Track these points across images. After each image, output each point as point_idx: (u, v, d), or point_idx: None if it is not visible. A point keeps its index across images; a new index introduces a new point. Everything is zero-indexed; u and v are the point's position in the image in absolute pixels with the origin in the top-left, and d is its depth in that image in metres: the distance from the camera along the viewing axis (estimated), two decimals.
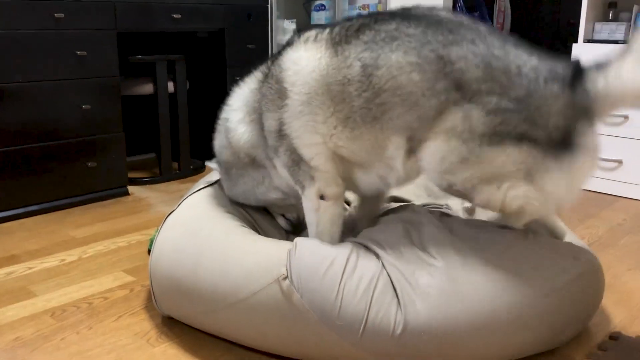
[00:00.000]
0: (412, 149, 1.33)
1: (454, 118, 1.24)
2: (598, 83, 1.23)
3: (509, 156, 1.23)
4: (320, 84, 1.35)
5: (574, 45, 2.87)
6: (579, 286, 1.40)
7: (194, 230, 1.53)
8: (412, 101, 1.27)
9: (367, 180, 1.45)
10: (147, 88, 2.95)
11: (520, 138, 1.22)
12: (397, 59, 1.27)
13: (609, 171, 2.86)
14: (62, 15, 2.45)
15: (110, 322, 1.61)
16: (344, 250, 1.38)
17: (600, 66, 1.25)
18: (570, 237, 1.64)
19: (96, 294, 1.78)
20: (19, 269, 1.96)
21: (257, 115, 1.52)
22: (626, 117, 2.77)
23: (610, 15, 2.94)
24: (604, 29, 2.87)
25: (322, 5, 3.87)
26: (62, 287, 1.82)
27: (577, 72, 1.25)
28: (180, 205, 1.68)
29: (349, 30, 1.35)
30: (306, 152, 1.41)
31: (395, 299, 1.28)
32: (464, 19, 1.33)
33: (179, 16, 2.89)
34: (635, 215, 2.56)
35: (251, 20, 3.21)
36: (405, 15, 1.33)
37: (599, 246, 2.19)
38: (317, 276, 1.32)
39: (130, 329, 1.57)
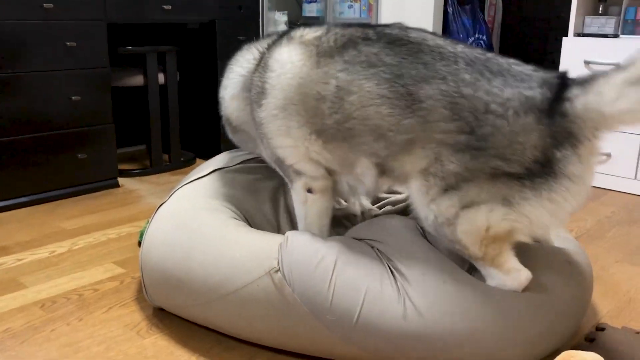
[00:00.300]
0: (383, 171, 1.34)
1: (425, 157, 1.24)
2: (577, 104, 1.17)
3: (482, 189, 1.21)
4: (297, 92, 1.35)
5: (564, 39, 2.89)
6: (571, 296, 1.41)
7: (185, 222, 1.53)
8: (379, 133, 1.27)
9: (340, 184, 1.47)
10: (138, 79, 2.94)
11: (494, 174, 1.19)
12: (369, 89, 1.26)
13: (598, 164, 2.88)
14: (51, 5, 2.43)
15: (100, 313, 1.61)
16: (337, 244, 1.38)
17: (583, 84, 1.19)
18: (558, 231, 1.65)
19: (86, 285, 1.78)
20: (8, 260, 1.95)
21: (250, 95, 1.51)
22: None
23: (600, 9, 2.95)
24: (594, 23, 2.89)
25: None
26: (52, 278, 1.82)
27: (556, 96, 1.19)
28: (172, 197, 1.68)
29: (336, 42, 1.34)
30: (281, 153, 1.42)
31: (389, 295, 1.28)
32: (447, 45, 1.29)
33: (170, 7, 2.88)
34: (623, 208, 2.58)
35: (242, 12, 3.20)
36: (391, 38, 1.31)
37: (587, 238, 2.21)
38: (309, 270, 1.32)
39: (120, 320, 1.57)
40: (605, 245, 2.16)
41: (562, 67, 2.90)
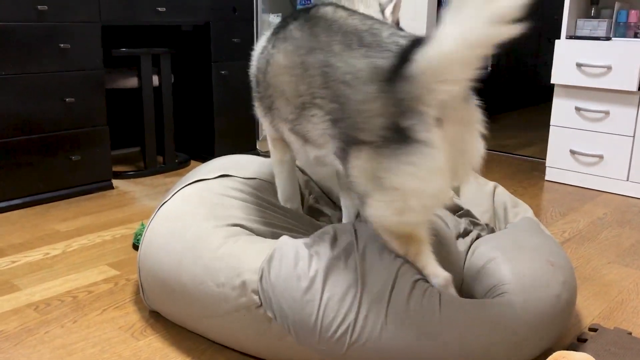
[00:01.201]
0: (304, 139, 1.41)
1: (319, 124, 1.32)
2: (419, 60, 1.12)
3: (355, 165, 1.23)
4: (255, 68, 1.57)
5: (556, 41, 2.91)
6: (554, 296, 1.41)
7: (180, 229, 1.51)
8: (285, 98, 1.40)
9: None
10: (132, 81, 2.94)
11: (357, 143, 1.21)
12: (277, 60, 1.42)
13: (590, 166, 2.90)
14: (45, 7, 2.43)
15: (94, 315, 1.61)
16: (321, 265, 1.34)
17: (426, 41, 1.14)
18: (546, 234, 1.66)
19: (80, 287, 1.78)
20: (2, 262, 1.95)
21: None
22: (607, 112, 2.80)
23: (593, 12, 2.97)
24: (587, 25, 2.91)
25: None
26: (46, 280, 1.82)
27: (401, 61, 1.16)
28: (175, 196, 1.66)
29: (289, 24, 1.46)
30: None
31: (373, 322, 1.27)
32: (345, 17, 1.34)
33: (164, 9, 2.88)
34: (615, 210, 2.60)
35: (236, 14, 3.20)
36: (311, 16, 1.40)
37: (580, 239, 2.23)
38: (294, 302, 1.29)
39: (114, 322, 1.57)
40: (597, 246, 2.17)
41: (555, 69, 2.91)
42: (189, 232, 1.50)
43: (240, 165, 1.82)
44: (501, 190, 1.96)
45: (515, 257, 1.46)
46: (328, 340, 1.26)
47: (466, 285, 1.48)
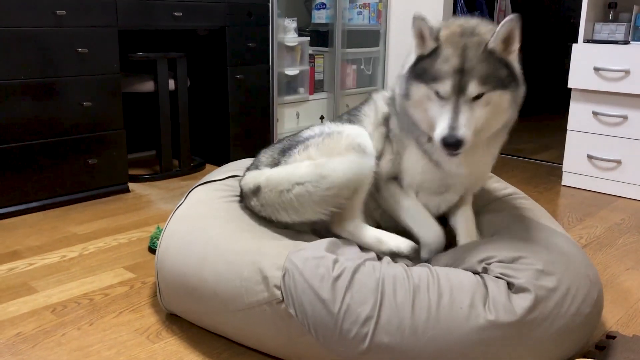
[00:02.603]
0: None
1: None
2: None
3: None
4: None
5: (573, 45, 2.88)
6: (594, 309, 1.41)
7: (200, 229, 1.53)
8: None
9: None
10: (148, 85, 2.96)
11: None
12: None
13: (608, 171, 2.87)
14: (63, 12, 2.46)
15: (110, 318, 1.62)
16: (345, 267, 1.34)
17: None
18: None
19: (97, 290, 1.79)
20: (20, 265, 1.97)
21: None
22: (625, 117, 2.77)
23: (611, 15, 2.95)
24: (604, 29, 2.88)
25: (323, 3, 3.88)
26: (63, 283, 1.83)
27: None
28: (187, 199, 1.68)
29: None
30: None
31: (400, 324, 1.27)
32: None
33: (180, 14, 2.90)
34: (633, 215, 2.57)
35: (252, 19, 3.21)
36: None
37: (597, 246, 2.20)
38: (316, 302, 1.29)
39: (130, 325, 1.58)
40: (615, 252, 2.14)
41: (572, 73, 2.89)
42: (208, 232, 1.51)
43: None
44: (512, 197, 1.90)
45: (559, 264, 1.43)
46: (348, 341, 1.26)
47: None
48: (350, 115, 1.72)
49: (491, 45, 1.36)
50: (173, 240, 1.55)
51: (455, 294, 1.29)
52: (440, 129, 1.35)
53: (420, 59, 1.42)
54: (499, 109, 1.40)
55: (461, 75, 1.34)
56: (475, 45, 1.37)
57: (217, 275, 1.42)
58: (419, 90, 1.41)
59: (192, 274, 1.46)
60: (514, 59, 1.41)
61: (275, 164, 1.65)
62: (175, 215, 1.62)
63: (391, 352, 1.25)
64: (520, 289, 1.31)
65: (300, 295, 1.31)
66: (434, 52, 1.39)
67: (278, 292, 1.33)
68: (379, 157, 1.59)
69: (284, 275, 1.34)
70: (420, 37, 1.41)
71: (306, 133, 1.68)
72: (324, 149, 1.55)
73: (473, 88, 1.34)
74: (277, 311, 1.33)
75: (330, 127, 1.63)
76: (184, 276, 1.48)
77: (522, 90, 1.44)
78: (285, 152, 1.65)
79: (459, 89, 1.34)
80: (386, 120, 1.62)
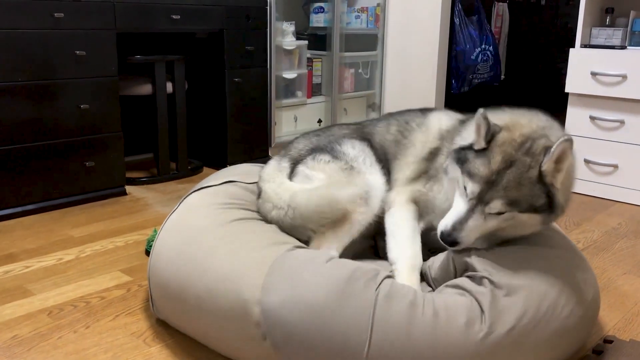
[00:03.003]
0: None
1: None
2: None
3: None
4: None
5: (571, 50, 2.89)
6: (589, 311, 1.41)
7: (188, 242, 1.50)
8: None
9: None
10: (146, 88, 2.96)
11: None
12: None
13: (605, 176, 2.88)
14: (61, 14, 2.45)
15: (107, 321, 1.61)
16: (331, 296, 1.28)
17: None
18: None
19: (93, 293, 1.78)
20: (16, 267, 1.96)
21: None
22: (622, 122, 2.78)
23: (608, 20, 2.96)
24: (601, 34, 2.89)
25: (321, 7, 3.88)
26: (59, 286, 1.83)
27: None
28: (180, 206, 1.67)
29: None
30: None
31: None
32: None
33: (178, 17, 2.90)
34: (630, 220, 2.57)
35: (250, 22, 3.22)
36: None
37: (594, 250, 2.21)
38: (303, 344, 1.25)
39: (127, 328, 1.58)
40: (612, 257, 2.15)
41: (569, 78, 2.90)
42: (194, 247, 1.47)
43: (245, 172, 1.85)
44: None
45: (555, 265, 1.43)
46: None
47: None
48: (399, 134, 1.68)
49: (543, 167, 1.31)
50: (164, 250, 1.53)
51: (450, 312, 1.27)
52: (445, 222, 1.37)
53: (471, 146, 1.39)
54: (524, 225, 1.38)
55: (492, 187, 1.31)
56: (522, 165, 1.31)
57: (198, 298, 1.39)
58: (455, 171, 1.40)
59: (178, 286, 1.44)
60: (559, 181, 1.34)
61: (298, 160, 1.67)
62: (167, 223, 1.61)
63: None
64: (511, 294, 1.31)
65: (284, 327, 1.27)
66: (484, 149, 1.36)
67: (258, 332, 1.30)
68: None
69: (263, 309, 1.30)
70: (478, 133, 1.37)
71: (337, 145, 1.65)
72: (333, 180, 1.55)
73: (495, 205, 1.31)
74: (261, 347, 1.31)
75: (357, 156, 1.62)
76: (171, 287, 1.46)
77: (556, 215, 1.38)
78: (312, 152, 1.66)
79: (483, 199, 1.32)
80: (432, 155, 1.59)
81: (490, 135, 1.35)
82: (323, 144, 1.68)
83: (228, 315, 1.34)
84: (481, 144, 1.36)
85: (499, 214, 1.33)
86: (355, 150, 1.63)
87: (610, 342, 1.52)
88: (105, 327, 1.58)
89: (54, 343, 1.50)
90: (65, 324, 1.59)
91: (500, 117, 1.41)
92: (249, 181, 1.79)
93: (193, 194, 1.73)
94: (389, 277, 1.35)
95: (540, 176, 1.31)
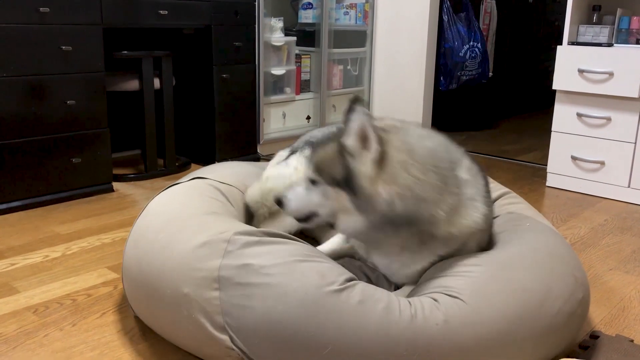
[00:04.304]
0: None
1: None
2: None
3: None
4: None
5: (558, 47, 2.91)
6: (579, 309, 1.41)
7: (151, 246, 1.47)
8: None
9: None
10: (133, 84, 2.93)
11: None
12: None
13: (592, 172, 2.90)
14: (47, 9, 2.43)
15: (94, 319, 1.60)
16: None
17: None
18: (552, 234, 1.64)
19: (80, 290, 1.77)
20: (1, 265, 1.94)
21: None
22: (609, 119, 2.80)
23: (595, 18, 2.97)
24: (588, 32, 2.91)
25: (310, 3, 3.87)
26: (45, 283, 1.81)
27: None
28: (147, 207, 1.63)
29: None
30: None
31: None
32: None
33: (166, 12, 2.88)
34: (617, 216, 2.60)
35: (238, 18, 3.20)
36: None
37: (581, 246, 2.22)
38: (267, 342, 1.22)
39: (114, 325, 1.56)
40: (598, 253, 2.16)
41: (557, 75, 2.91)
42: (160, 242, 1.45)
43: (216, 170, 1.90)
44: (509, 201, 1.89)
45: (544, 263, 1.43)
46: None
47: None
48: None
49: (342, 140, 1.31)
50: (132, 248, 1.51)
51: (426, 311, 1.25)
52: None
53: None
54: (341, 210, 1.35)
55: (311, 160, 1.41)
56: (334, 139, 1.37)
57: (157, 298, 1.38)
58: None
59: (143, 283, 1.42)
60: (367, 163, 1.28)
61: (294, 150, 1.89)
62: (135, 226, 1.59)
63: None
64: (495, 290, 1.31)
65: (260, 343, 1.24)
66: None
67: (225, 337, 1.27)
68: None
69: (226, 326, 1.27)
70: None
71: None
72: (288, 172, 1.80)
73: (308, 172, 1.40)
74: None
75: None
76: (139, 283, 1.44)
77: (366, 203, 1.29)
78: (306, 145, 1.86)
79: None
80: None
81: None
82: (317, 139, 1.76)
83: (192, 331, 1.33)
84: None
85: (313, 182, 1.38)
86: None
87: (597, 337, 1.53)
88: (92, 324, 1.57)
89: (40, 341, 1.48)
90: (51, 322, 1.58)
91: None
92: (216, 178, 1.81)
93: (163, 192, 1.71)
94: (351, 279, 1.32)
95: (342, 150, 1.31)
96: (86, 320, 1.59)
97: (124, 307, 1.67)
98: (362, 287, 1.26)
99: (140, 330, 1.54)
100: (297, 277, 1.25)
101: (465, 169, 1.40)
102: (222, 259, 1.31)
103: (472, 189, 1.39)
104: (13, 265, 1.94)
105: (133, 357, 1.42)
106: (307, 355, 1.21)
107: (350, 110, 1.29)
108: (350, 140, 1.29)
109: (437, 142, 1.38)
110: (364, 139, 1.28)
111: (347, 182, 1.30)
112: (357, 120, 1.27)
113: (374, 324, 1.20)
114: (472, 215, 1.37)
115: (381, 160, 1.27)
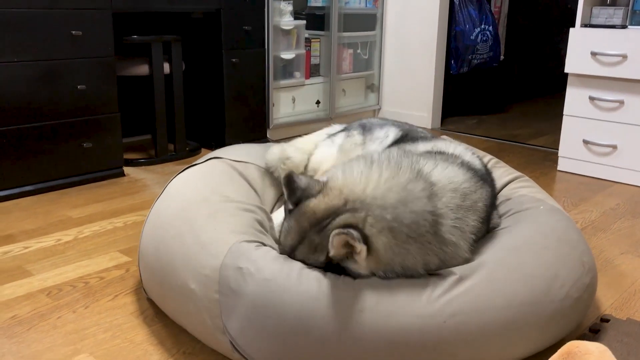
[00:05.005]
0: None
1: None
2: None
3: None
4: None
5: (571, 29, 2.87)
6: (585, 294, 1.41)
7: (170, 220, 1.49)
8: None
9: None
10: (143, 69, 2.94)
11: None
12: None
13: (604, 156, 2.87)
14: None
15: (106, 301, 1.62)
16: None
17: None
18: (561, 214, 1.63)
19: (92, 273, 1.79)
20: (15, 248, 1.96)
21: None
22: (621, 102, 2.77)
23: None
24: (602, 14, 2.87)
25: None
26: (58, 266, 1.83)
27: None
28: (166, 190, 1.64)
29: None
30: None
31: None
32: None
33: None
34: (628, 200, 2.58)
35: (247, 1, 3.18)
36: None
37: (592, 230, 2.21)
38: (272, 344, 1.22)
39: (126, 308, 1.58)
40: (610, 237, 2.15)
41: (569, 58, 2.88)
42: (176, 227, 1.46)
43: (230, 150, 1.90)
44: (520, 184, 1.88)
45: (553, 249, 1.42)
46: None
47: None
48: None
49: (331, 254, 1.21)
50: (150, 231, 1.53)
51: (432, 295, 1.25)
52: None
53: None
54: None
55: (292, 254, 1.31)
56: (310, 245, 1.27)
57: (170, 286, 1.39)
58: None
59: (159, 269, 1.44)
60: (362, 259, 1.21)
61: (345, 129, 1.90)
62: (154, 205, 1.60)
63: None
64: (502, 275, 1.30)
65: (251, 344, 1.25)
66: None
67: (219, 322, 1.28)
68: None
69: (225, 327, 1.28)
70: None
71: (375, 127, 1.84)
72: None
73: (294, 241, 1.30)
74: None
75: (379, 138, 1.78)
76: (155, 269, 1.46)
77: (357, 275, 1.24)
78: (356, 127, 1.85)
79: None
80: None
81: (298, 199, 1.28)
82: (371, 124, 1.81)
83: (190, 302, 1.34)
84: (288, 206, 1.31)
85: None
86: (382, 132, 1.73)
87: (607, 321, 1.53)
88: (104, 307, 1.59)
89: (54, 323, 1.50)
90: (64, 304, 1.60)
91: (337, 172, 1.31)
92: (233, 158, 1.82)
93: (180, 174, 1.72)
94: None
95: (330, 258, 1.23)
96: (99, 303, 1.61)
97: (136, 289, 1.68)
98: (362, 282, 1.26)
99: (152, 312, 1.56)
100: (293, 282, 1.23)
101: (452, 214, 1.30)
102: (224, 258, 1.31)
103: (456, 239, 1.30)
104: (26, 248, 1.96)
105: (146, 338, 1.44)
106: (309, 358, 1.21)
107: (333, 227, 1.21)
108: (335, 252, 1.21)
109: (414, 195, 1.25)
110: (347, 245, 1.20)
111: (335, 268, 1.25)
112: (338, 237, 1.17)
113: (377, 315, 1.20)
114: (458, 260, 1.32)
115: (367, 252, 1.20)
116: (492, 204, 1.51)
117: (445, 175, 1.35)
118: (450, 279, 1.27)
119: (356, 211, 1.22)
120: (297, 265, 1.27)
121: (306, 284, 1.22)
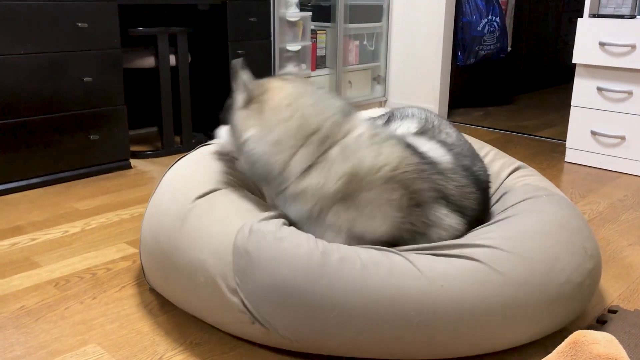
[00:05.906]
0: None
1: None
2: None
3: None
4: None
5: (579, 20, 2.85)
6: (587, 279, 1.41)
7: (169, 207, 1.49)
8: None
9: None
10: (149, 61, 2.94)
11: None
12: None
13: (612, 147, 2.86)
14: None
15: (113, 292, 1.62)
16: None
17: None
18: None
19: (99, 265, 1.79)
20: (22, 240, 1.97)
21: None
22: (630, 92, 2.75)
23: None
24: (610, 3, 2.84)
25: None
26: (66, 258, 1.84)
27: None
28: (162, 180, 1.65)
29: None
30: None
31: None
32: None
33: None
34: (636, 192, 2.56)
35: None
36: None
37: (600, 221, 2.20)
38: (289, 317, 1.25)
39: (133, 299, 1.59)
40: (618, 228, 2.14)
41: (577, 48, 2.86)
42: (173, 223, 1.46)
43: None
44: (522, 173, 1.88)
45: (554, 234, 1.43)
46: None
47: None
48: None
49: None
50: (150, 220, 1.53)
51: (432, 273, 1.28)
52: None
53: None
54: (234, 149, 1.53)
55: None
56: None
57: (175, 269, 1.41)
58: None
59: (161, 254, 1.45)
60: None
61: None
62: (154, 195, 1.60)
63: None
64: (504, 256, 1.32)
65: (264, 307, 1.28)
66: None
67: (246, 314, 1.30)
68: None
69: (238, 284, 1.30)
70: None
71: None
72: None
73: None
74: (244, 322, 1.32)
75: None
76: (156, 256, 1.47)
77: (238, 142, 1.46)
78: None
79: None
80: None
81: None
82: (400, 113, 1.83)
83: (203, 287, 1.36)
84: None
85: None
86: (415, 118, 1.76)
87: (615, 312, 1.52)
88: (111, 298, 1.59)
89: (61, 313, 1.51)
90: (72, 295, 1.60)
91: None
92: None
93: (173, 166, 1.71)
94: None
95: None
96: (106, 294, 1.61)
97: (142, 281, 1.69)
98: (366, 252, 1.29)
99: (158, 303, 1.56)
100: (303, 243, 1.29)
101: (354, 137, 1.36)
102: (238, 234, 1.33)
103: (342, 152, 1.34)
104: (34, 240, 1.97)
105: (152, 329, 1.44)
106: (315, 318, 1.23)
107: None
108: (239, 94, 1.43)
109: (328, 103, 1.40)
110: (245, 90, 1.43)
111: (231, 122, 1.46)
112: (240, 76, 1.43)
113: (380, 286, 1.23)
114: (323, 177, 1.33)
115: (259, 106, 1.40)
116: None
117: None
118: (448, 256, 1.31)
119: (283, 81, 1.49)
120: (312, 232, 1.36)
121: (322, 247, 1.29)
